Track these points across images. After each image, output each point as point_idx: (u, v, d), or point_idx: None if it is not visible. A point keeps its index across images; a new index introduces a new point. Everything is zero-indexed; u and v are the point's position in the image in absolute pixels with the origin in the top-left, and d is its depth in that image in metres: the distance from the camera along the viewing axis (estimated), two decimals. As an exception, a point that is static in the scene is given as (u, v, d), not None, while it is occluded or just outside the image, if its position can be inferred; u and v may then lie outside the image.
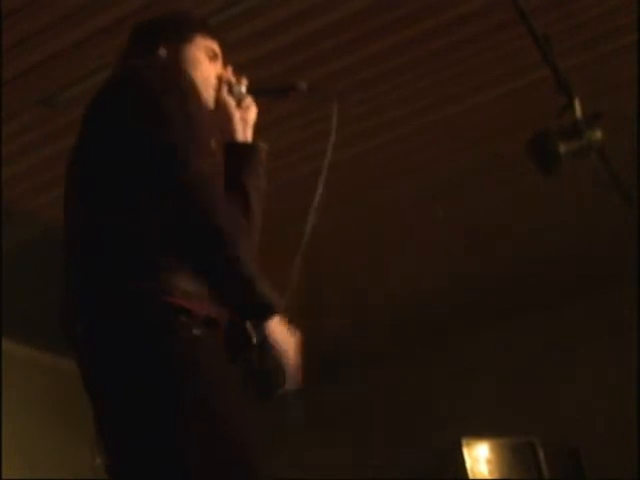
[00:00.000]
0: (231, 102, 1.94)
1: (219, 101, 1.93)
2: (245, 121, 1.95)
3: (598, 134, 1.48)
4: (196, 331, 1.57)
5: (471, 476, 4.56)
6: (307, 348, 1.81)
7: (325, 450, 5.91)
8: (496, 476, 4.65)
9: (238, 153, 1.90)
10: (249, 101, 1.97)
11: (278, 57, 3.33)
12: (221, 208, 1.62)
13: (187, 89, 1.73)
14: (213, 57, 1.96)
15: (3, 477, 3.88)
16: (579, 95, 1.51)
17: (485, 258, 5.25)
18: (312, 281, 5.02)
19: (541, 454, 4.72)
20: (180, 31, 1.95)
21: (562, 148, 1.49)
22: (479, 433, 4.82)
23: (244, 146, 1.92)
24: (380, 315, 5.73)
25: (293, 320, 1.74)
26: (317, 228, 1.89)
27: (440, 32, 3.33)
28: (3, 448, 3.64)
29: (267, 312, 1.67)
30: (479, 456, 4.63)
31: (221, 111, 1.92)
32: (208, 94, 1.91)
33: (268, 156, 1.94)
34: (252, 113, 1.97)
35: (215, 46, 1.98)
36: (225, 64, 2.01)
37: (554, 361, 5.64)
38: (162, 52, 1.90)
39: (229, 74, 1.97)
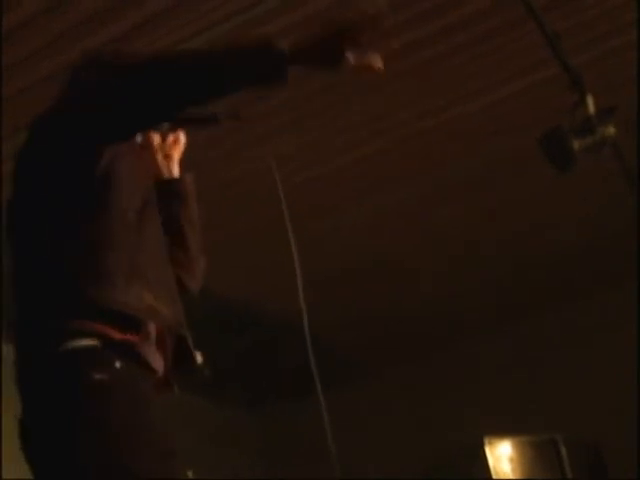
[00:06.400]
0: (153, 140, 1.98)
1: (143, 141, 1.96)
2: (169, 157, 2.00)
3: (611, 129, 1.49)
4: (98, 375, 1.57)
5: (494, 475, 4.54)
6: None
7: (343, 449, 5.87)
8: (519, 474, 4.62)
9: (166, 190, 1.97)
10: (174, 136, 2.00)
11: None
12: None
13: None
14: None
15: (3, 477, 3.91)
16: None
17: (495, 259, 5.25)
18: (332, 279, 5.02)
19: (564, 451, 4.69)
20: None
21: (576, 145, 1.50)
22: (496, 432, 4.78)
23: (170, 182, 2.00)
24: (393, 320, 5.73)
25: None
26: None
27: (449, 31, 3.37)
28: (3, 448, 3.66)
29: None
30: (501, 454, 4.62)
31: (146, 150, 1.97)
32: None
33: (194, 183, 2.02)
34: (178, 147, 2.02)
35: None
36: None
37: (568, 358, 5.62)
38: None
39: None
